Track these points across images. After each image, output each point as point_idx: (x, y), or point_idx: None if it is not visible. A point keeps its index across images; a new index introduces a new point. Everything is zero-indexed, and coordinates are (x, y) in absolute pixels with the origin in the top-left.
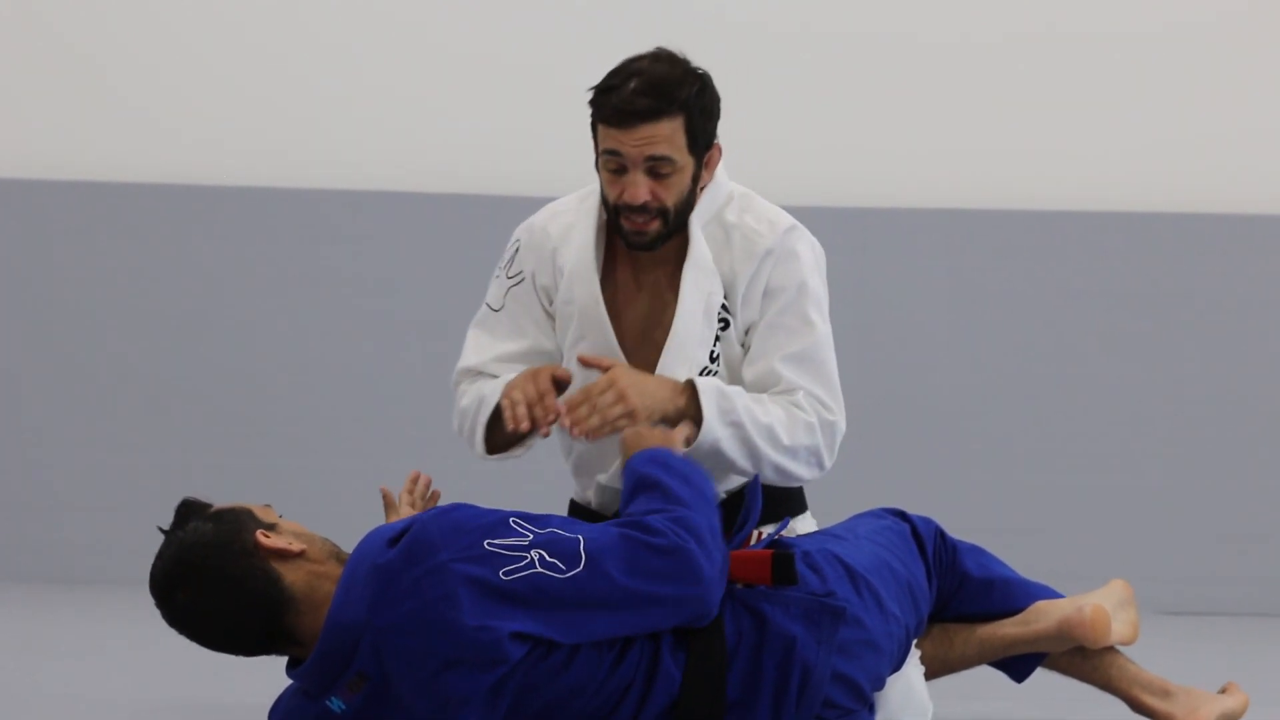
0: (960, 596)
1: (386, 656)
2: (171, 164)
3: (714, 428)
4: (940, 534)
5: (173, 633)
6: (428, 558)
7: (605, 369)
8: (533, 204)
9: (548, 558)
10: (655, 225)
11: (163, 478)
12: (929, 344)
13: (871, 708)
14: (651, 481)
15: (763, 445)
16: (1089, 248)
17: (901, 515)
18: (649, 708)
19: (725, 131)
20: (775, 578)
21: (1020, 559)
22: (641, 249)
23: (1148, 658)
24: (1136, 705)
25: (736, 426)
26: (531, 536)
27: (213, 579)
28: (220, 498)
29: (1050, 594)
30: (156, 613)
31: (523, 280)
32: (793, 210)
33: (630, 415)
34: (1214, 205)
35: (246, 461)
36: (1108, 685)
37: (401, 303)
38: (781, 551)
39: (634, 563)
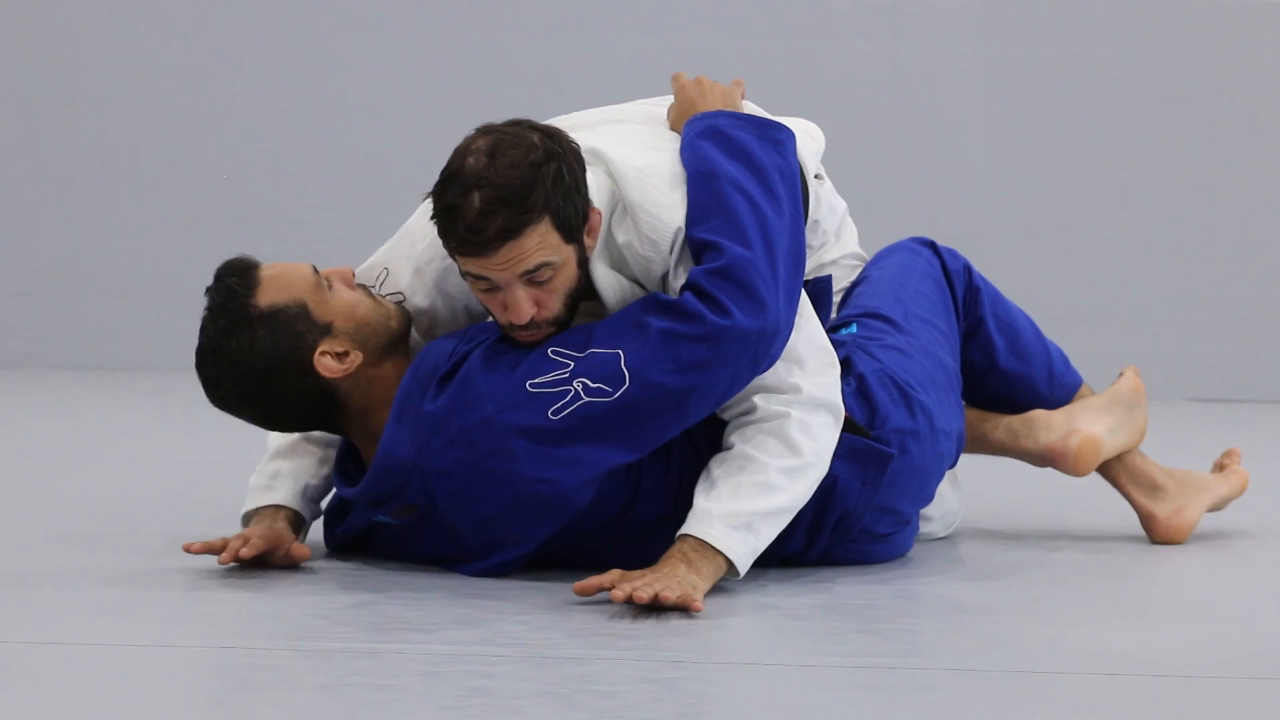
0: (971, 345)
1: (438, 494)
2: None
3: (739, 551)
4: (968, 271)
5: (202, 423)
6: (473, 410)
7: (608, 587)
8: None
9: (591, 384)
10: (549, 330)
11: (191, 265)
12: (959, 125)
13: (915, 522)
14: (710, 186)
15: (786, 495)
16: (1125, 32)
17: (933, 249)
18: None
19: None
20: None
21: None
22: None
23: (1173, 444)
24: (1124, 495)
25: (751, 528)
26: (572, 365)
27: (267, 395)
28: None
29: (1060, 382)
30: (189, 401)
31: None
32: None
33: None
34: None
35: (274, 248)
36: (1100, 470)
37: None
38: (853, 421)
39: (679, 360)
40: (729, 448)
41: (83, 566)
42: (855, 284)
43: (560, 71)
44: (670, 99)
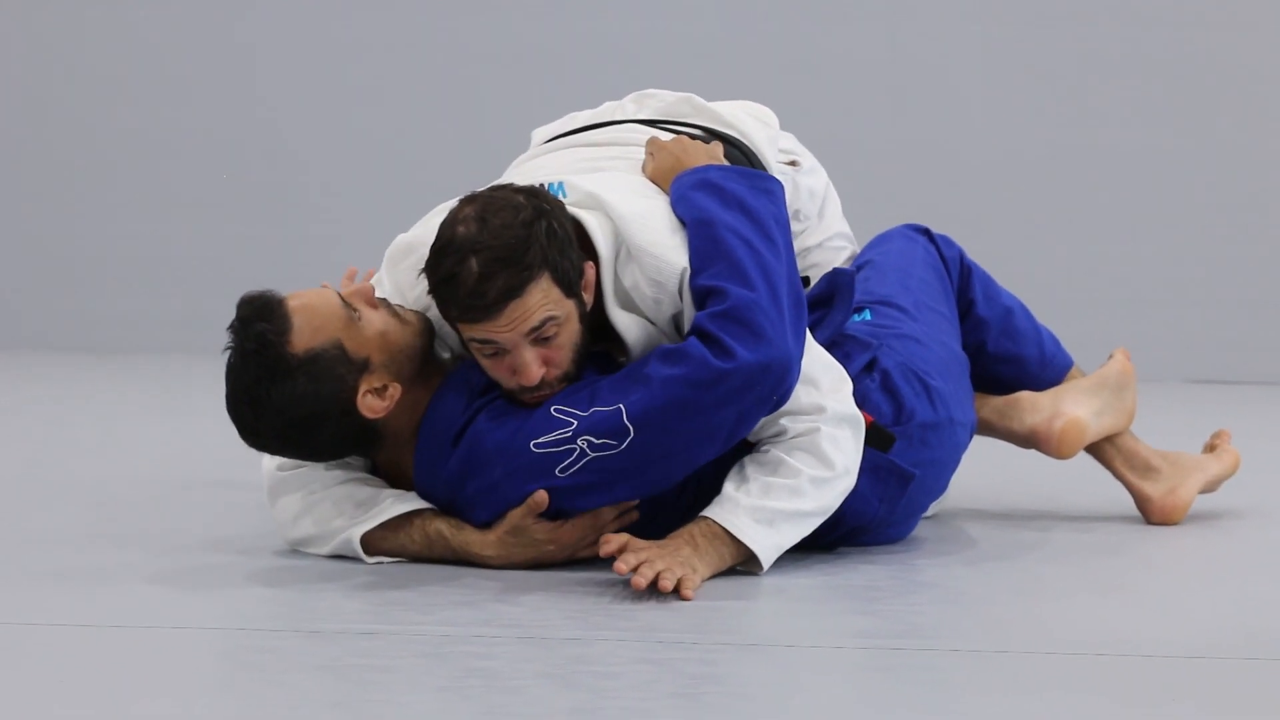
0: (963, 328)
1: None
2: None
3: (763, 544)
4: (961, 258)
5: (202, 407)
6: (483, 474)
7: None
8: None
9: (596, 440)
10: (558, 388)
11: (193, 248)
12: (958, 108)
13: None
14: (709, 234)
15: (811, 503)
16: (1124, 13)
17: (928, 236)
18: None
19: None
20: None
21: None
22: None
23: (1168, 426)
24: (1118, 478)
25: (776, 524)
26: (575, 423)
27: (309, 438)
28: (249, 267)
29: (1051, 363)
30: (188, 384)
31: None
32: None
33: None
34: None
35: (275, 232)
36: (1093, 453)
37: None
38: (879, 426)
39: (684, 407)
40: (764, 452)
41: (83, 550)
42: (859, 269)
43: (562, 54)
44: (635, 126)
